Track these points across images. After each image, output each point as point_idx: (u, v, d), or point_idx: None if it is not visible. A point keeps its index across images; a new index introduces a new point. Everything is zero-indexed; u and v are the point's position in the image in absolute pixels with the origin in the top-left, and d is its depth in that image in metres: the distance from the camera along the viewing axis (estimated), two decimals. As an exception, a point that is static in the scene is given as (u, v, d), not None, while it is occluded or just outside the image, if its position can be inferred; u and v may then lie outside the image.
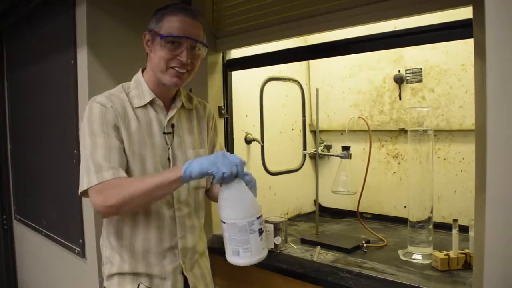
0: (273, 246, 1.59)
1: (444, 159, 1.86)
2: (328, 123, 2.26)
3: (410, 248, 1.50)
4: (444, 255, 1.35)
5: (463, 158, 1.81)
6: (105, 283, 1.19)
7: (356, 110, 2.12)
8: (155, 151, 1.13)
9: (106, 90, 1.16)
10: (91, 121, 1.06)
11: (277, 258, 1.54)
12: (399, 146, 2.03)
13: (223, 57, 1.82)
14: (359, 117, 1.86)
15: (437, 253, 1.37)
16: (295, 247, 1.64)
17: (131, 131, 1.10)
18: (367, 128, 1.78)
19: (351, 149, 1.82)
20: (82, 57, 1.59)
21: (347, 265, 1.40)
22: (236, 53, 1.82)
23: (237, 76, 1.88)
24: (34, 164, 2.20)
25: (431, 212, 1.49)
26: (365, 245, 1.59)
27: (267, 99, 2.03)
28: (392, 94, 1.99)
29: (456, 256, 1.34)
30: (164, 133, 1.16)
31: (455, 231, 1.35)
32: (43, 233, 2.08)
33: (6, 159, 2.57)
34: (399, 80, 1.93)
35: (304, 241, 1.70)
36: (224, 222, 0.99)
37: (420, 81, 1.88)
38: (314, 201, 2.27)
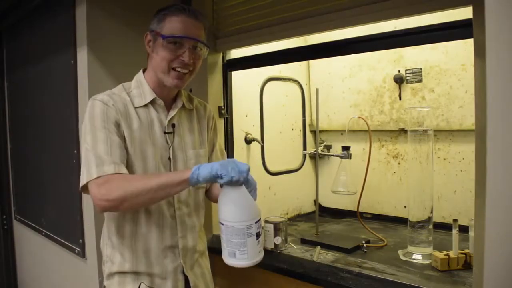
0: (273, 246, 1.59)
1: (444, 159, 1.86)
2: (328, 123, 2.26)
3: (410, 248, 1.50)
4: (444, 255, 1.35)
5: (463, 158, 1.81)
6: (105, 282, 1.19)
7: (356, 110, 2.12)
8: (156, 150, 1.14)
9: (106, 90, 1.16)
10: (93, 118, 1.06)
11: (277, 258, 1.54)
12: (399, 146, 2.03)
13: (223, 57, 1.82)
14: (359, 117, 1.86)
15: (437, 253, 1.37)
16: (295, 247, 1.64)
17: (133, 129, 1.11)
18: (367, 128, 1.78)
19: (351, 149, 1.82)
20: (82, 57, 1.59)
21: (347, 265, 1.40)
22: (236, 53, 1.82)
23: (237, 76, 1.87)
24: (34, 164, 2.19)
25: (431, 212, 1.49)
26: (365, 245, 1.59)
27: (267, 99, 2.03)
28: (392, 94, 1.99)
29: (456, 256, 1.34)
30: (165, 132, 1.16)
31: (455, 231, 1.35)
32: (43, 233, 2.08)
33: (6, 159, 2.57)
34: (399, 80, 1.93)
35: (304, 241, 1.70)
36: (222, 224, 1.00)
37: (420, 81, 1.88)
38: (314, 201, 2.27)
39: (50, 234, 2.01)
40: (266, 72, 2.01)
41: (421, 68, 1.87)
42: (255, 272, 1.50)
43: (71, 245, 1.78)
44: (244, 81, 1.94)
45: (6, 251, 2.59)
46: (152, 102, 1.16)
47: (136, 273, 1.14)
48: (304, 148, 2.24)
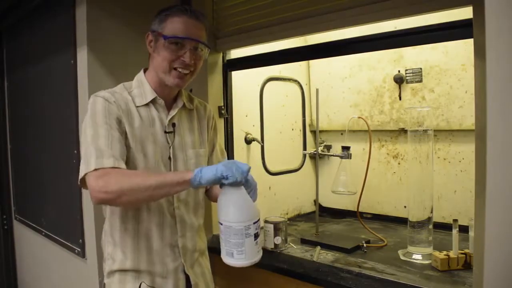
0: (273, 246, 1.59)
1: (444, 159, 1.86)
2: (328, 123, 2.26)
3: (410, 248, 1.50)
4: (444, 255, 1.35)
5: (463, 158, 1.81)
6: (106, 280, 1.19)
7: (356, 110, 2.12)
8: (156, 149, 1.14)
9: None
10: (94, 114, 1.07)
11: (277, 258, 1.54)
12: (399, 146, 2.03)
13: (223, 57, 1.82)
14: (359, 117, 1.86)
15: (437, 253, 1.37)
16: (295, 247, 1.64)
17: (134, 127, 1.11)
18: (367, 128, 1.78)
19: (351, 149, 1.82)
20: (82, 57, 1.59)
21: (347, 265, 1.40)
22: (236, 53, 1.83)
23: (237, 76, 1.87)
24: (34, 164, 2.19)
25: (431, 212, 1.49)
26: (365, 245, 1.59)
27: (267, 99, 2.03)
28: (392, 94, 1.99)
29: (456, 256, 1.34)
30: (165, 132, 1.17)
31: (455, 231, 1.35)
32: (43, 233, 2.08)
33: (6, 159, 2.57)
34: (399, 80, 1.93)
35: (304, 241, 1.70)
36: (221, 224, 1.01)
37: (420, 81, 1.88)
38: (314, 201, 2.27)
39: (50, 234, 2.01)
40: (266, 72, 2.01)
41: (421, 68, 1.87)
42: (255, 272, 1.50)
43: (71, 245, 1.78)
44: (244, 81, 1.94)
45: (6, 251, 2.59)
46: (153, 101, 1.16)
47: (137, 271, 1.14)
48: (304, 148, 2.24)
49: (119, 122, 1.08)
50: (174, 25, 1.09)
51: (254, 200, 1.03)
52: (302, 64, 2.27)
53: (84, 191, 1.64)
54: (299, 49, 1.65)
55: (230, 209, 0.99)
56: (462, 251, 1.36)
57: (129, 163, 1.08)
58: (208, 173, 0.96)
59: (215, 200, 1.13)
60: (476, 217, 0.99)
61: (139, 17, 1.63)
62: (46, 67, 1.94)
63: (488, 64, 0.81)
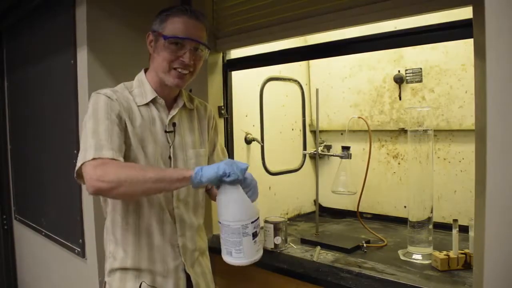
0: (273, 246, 1.59)
1: (444, 159, 1.86)
2: (328, 123, 2.26)
3: (410, 248, 1.50)
4: (444, 255, 1.35)
5: (463, 158, 1.81)
6: (106, 278, 1.19)
7: (356, 110, 2.12)
8: (157, 148, 1.15)
9: (107, 89, 1.16)
10: (96, 111, 1.07)
11: (277, 258, 1.54)
12: (399, 146, 2.03)
13: (223, 57, 1.82)
14: (359, 117, 1.86)
15: (437, 253, 1.37)
16: (295, 247, 1.64)
17: (136, 125, 1.12)
18: (367, 128, 1.78)
19: (351, 149, 1.82)
20: (82, 57, 1.59)
21: (347, 265, 1.40)
22: (236, 53, 1.82)
23: (237, 76, 1.87)
24: (34, 164, 2.19)
25: (431, 212, 1.49)
26: (365, 245, 1.59)
27: (267, 99, 2.03)
28: (392, 94, 1.99)
29: (456, 256, 1.34)
30: (165, 131, 1.17)
31: (455, 231, 1.35)
32: (43, 233, 2.08)
33: (6, 159, 2.57)
34: (399, 80, 1.93)
35: (304, 241, 1.70)
36: (220, 223, 1.02)
37: (420, 81, 1.88)
38: (314, 201, 2.27)
39: (50, 234, 2.01)
40: (266, 72, 2.01)
41: (421, 68, 1.87)
42: (255, 272, 1.50)
43: (71, 245, 1.78)
44: (244, 81, 1.94)
45: (6, 251, 2.59)
46: (154, 101, 1.17)
47: (138, 270, 1.15)
48: (304, 148, 2.24)
49: (120, 118, 1.08)
50: (174, 25, 1.10)
51: (254, 200, 1.04)
52: (302, 64, 2.27)
53: (84, 191, 1.65)
54: (299, 49, 1.65)
55: (227, 208, 1.00)
56: (462, 251, 1.36)
57: (129, 161, 1.09)
58: (210, 171, 0.96)
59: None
60: (476, 217, 0.99)
61: (139, 17, 1.63)
62: (46, 67, 1.94)
63: (488, 64, 0.81)
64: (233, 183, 0.98)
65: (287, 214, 2.18)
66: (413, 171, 1.53)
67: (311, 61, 2.29)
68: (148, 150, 1.13)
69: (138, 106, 1.14)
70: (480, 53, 0.96)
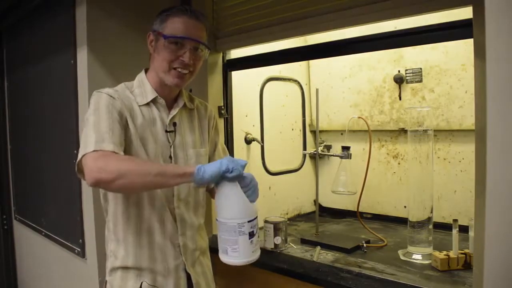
0: (273, 246, 1.60)
1: (444, 159, 1.86)
2: (328, 123, 2.26)
3: (410, 248, 1.50)
4: (444, 255, 1.35)
5: (463, 158, 1.81)
6: (107, 277, 1.19)
7: (356, 110, 2.12)
8: (157, 147, 1.15)
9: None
10: (98, 107, 1.07)
11: (277, 258, 1.54)
12: (399, 146, 2.03)
13: (223, 57, 1.82)
14: (359, 117, 1.86)
15: (437, 253, 1.37)
16: (295, 247, 1.64)
17: (137, 124, 1.12)
18: (367, 128, 1.78)
19: (351, 149, 1.82)
20: (82, 57, 1.59)
21: (347, 265, 1.40)
22: (236, 53, 1.83)
23: (237, 76, 1.87)
24: (34, 164, 2.19)
25: (431, 212, 1.49)
26: (365, 245, 1.59)
27: (267, 99, 2.03)
28: (392, 94, 1.99)
29: (456, 256, 1.34)
30: (166, 131, 1.18)
31: (455, 231, 1.35)
32: (43, 233, 2.08)
33: (6, 159, 2.57)
34: (399, 80, 1.93)
35: (304, 241, 1.70)
36: (217, 220, 1.03)
37: (420, 81, 1.88)
38: (314, 201, 2.27)
39: (50, 234, 2.01)
40: (266, 72, 2.01)
41: (421, 68, 1.87)
42: (255, 272, 1.50)
43: (71, 245, 1.78)
44: (244, 81, 1.94)
45: (6, 251, 2.59)
46: (154, 101, 1.17)
47: (138, 269, 1.15)
48: (304, 148, 2.24)
49: (122, 116, 1.08)
50: (174, 25, 1.10)
51: (253, 200, 1.04)
52: (302, 64, 2.27)
53: (84, 191, 1.65)
54: (299, 49, 1.65)
55: (224, 206, 1.01)
56: (462, 251, 1.36)
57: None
58: (212, 167, 0.97)
59: None
60: (476, 217, 0.99)
61: (139, 17, 1.63)
62: (46, 67, 1.94)
63: (488, 64, 0.81)
64: (234, 179, 0.98)
65: (287, 214, 2.18)
66: (413, 171, 1.54)
67: (311, 61, 2.29)
68: (148, 150, 1.13)
69: (139, 105, 1.15)
70: (480, 53, 0.96)
